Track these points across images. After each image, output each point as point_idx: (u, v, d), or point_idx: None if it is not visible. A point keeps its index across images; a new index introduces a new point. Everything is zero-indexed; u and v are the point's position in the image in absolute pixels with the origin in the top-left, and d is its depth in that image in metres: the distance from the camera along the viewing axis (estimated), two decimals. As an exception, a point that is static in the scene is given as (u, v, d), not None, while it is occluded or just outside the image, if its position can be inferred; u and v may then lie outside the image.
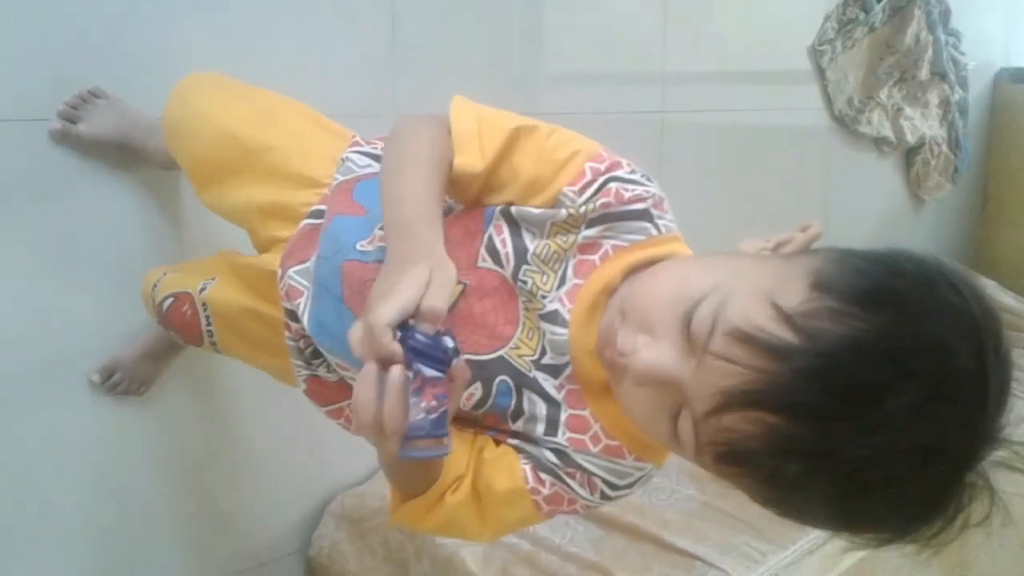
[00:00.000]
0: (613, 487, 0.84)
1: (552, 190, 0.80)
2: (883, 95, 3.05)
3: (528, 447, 0.85)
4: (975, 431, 0.63)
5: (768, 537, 1.61)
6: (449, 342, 0.70)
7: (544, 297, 0.80)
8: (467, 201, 0.86)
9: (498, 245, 0.82)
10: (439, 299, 0.69)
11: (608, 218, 0.79)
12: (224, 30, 1.49)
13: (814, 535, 1.64)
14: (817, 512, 0.67)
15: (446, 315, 0.70)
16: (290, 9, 1.61)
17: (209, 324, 1.13)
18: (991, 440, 0.64)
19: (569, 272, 0.80)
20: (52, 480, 1.45)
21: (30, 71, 1.32)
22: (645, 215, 0.80)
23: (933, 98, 3.26)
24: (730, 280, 0.68)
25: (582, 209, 0.79)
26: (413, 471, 0.85)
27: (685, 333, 0.68)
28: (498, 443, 0.88)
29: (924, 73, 3.15)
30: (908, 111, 3.15)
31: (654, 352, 0.69)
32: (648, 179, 0.82)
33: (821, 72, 2.82)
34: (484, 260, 0.82)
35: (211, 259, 1.20)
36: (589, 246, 0.80)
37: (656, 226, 0.80)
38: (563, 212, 0.80)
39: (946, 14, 3.20)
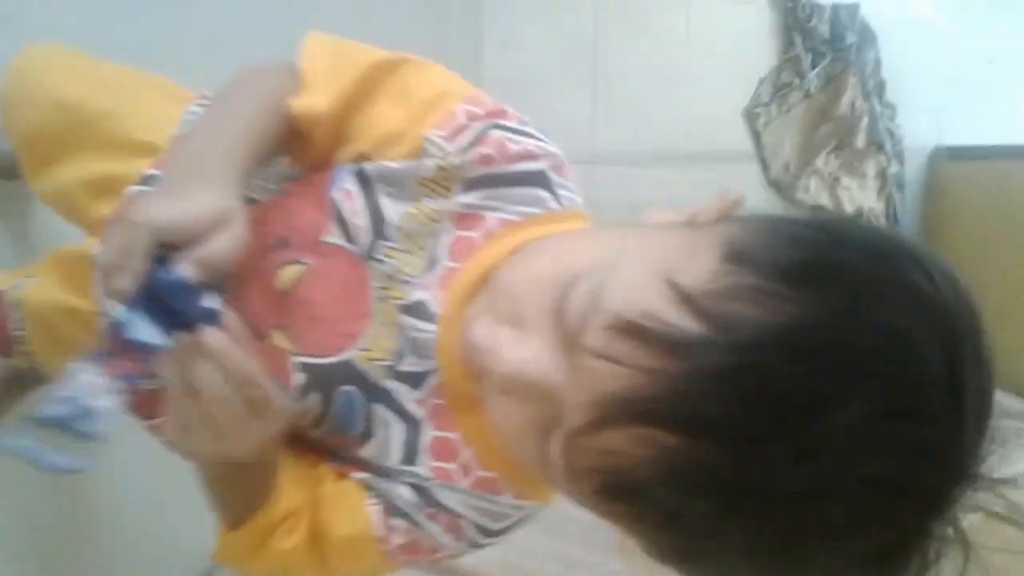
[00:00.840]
0: (485, 532, 0.67)
1: (413, 136, 0.63)
2: (820, 162, 3.00)
3: (379, 482, 0.67)
4: (945, 461, 0.46)
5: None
6: (208, 302, 0.53)
7: (407, 283, 0.63)
8: (310, 161, 0.69)
9: (347, 214, 0.64)
10: (224, 248, 0.54)
11: (492, 180, 0.63)
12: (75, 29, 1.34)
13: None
14: (733, 569, 0.49)
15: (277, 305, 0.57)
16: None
17: (19, 328, 0.94)
18: (966, 474, 0.47)
19: (441, 251, 0.63)
20: None
21: None
22: (540, 179, 0.63)
23: (870, 169, 3.22)
24: (615, 256, 0.51)
25: (455, 161, 0.62)
26: (224, 482, 0.67)
27: (558, 325, 0.51)
28: (342, 475, 0.69)
29: (861, 141, 3.11)
30: (846, 181, 3.10)
31: (519, 350, 0.53)
32: (544, 137, 0.65)
33: (757, 136, 2.76)
34: (330, 234, 0.65)
35: (36, 263, 1.01)
36: (468, 218, 0.63)
37: (555, 196, 0.64)
38: (430, 164, 0.63)
39: (881, 86, 3.19)
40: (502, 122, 0.64)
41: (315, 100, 0.66)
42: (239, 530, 0.70)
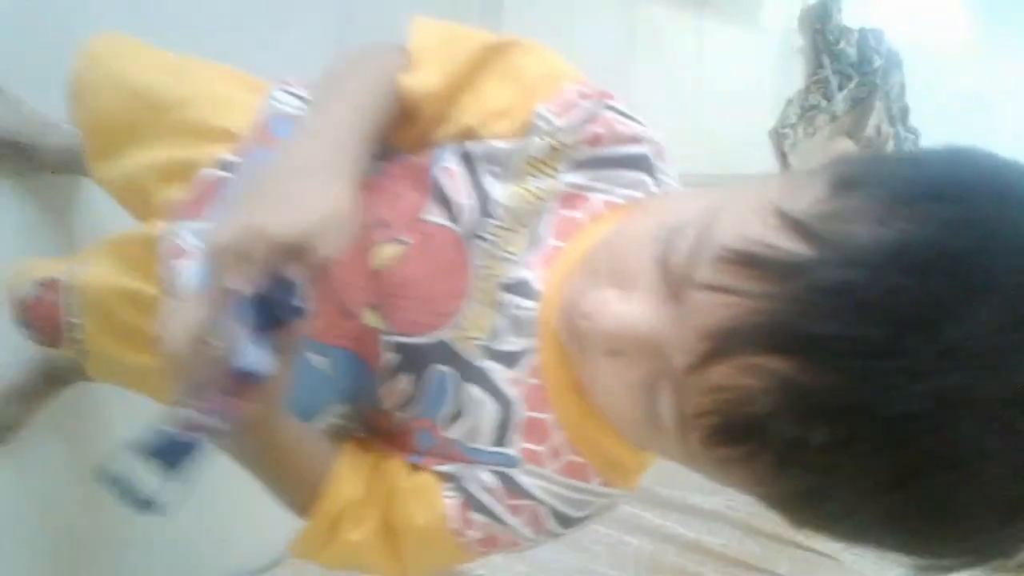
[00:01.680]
0: (564, 521, 0.65)
1: (523, 111, 0.63)
2: (845, 185, 3.01)
3: (460, 469, 0.65)
4: None
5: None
6: (298, 300, 0.54)
7: (509, 261, 0.62)
8: (409, 141, 0.68)
9: (450, 192, 0.64)
10: (335, 251, 0.56)
11: (599, 162, 0.62)
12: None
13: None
14: (863, 511, 0.45)
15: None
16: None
17: (74, 315, 0.92)
18: None
19: (544, 230, 0.63)
20: None
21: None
22: (643, 163, 0.63)
23: (894, 194, 3.24)
24: (720, 201, 0.50)
25: (566, 138, 0.62)
26: (283, 468, 0.67)
27: (664, 277, 0.50)
28: (415, 468, 0.68)
29: (886, 166, 3.13)
30: (870, 204, 3.12)
31: (624, 306, 0.51)
32: (647, 123, 0.65)
33: (783, 156, 2.76)
34: (431, 212, 0.64)
35: (88, 248, 1.00)
36: (573, 198, 0.63)
37: (657, 180, 0.63)
38: (537, 142, 0.62)
39: (904, 111, 3.21)
40: (612, 104, 0.64)
41: (427, 77, 0.66)
42: (306, 528, 0.68)
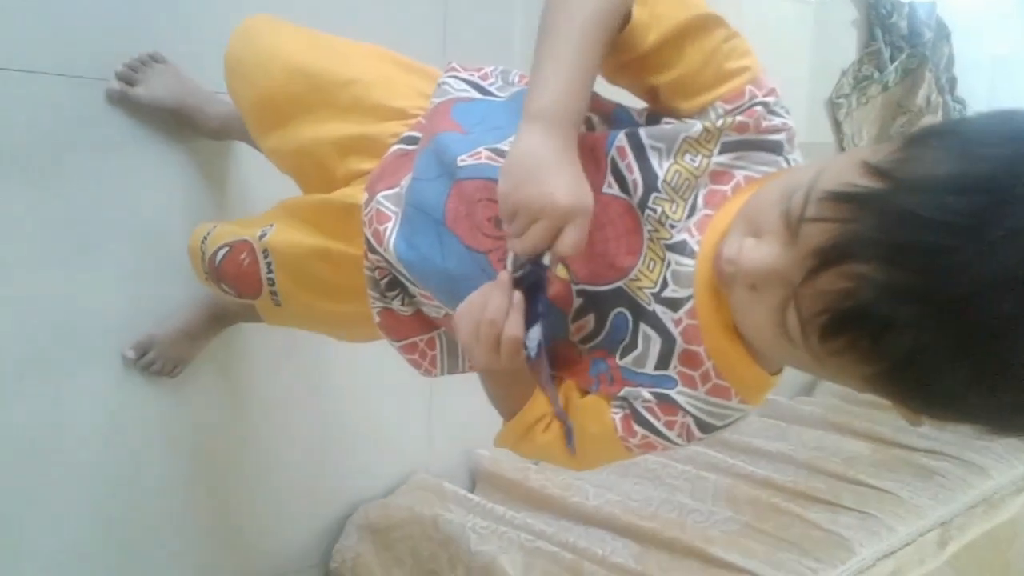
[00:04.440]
0: (707, 428, 0.81)
1: (706, 98, 0.77)
2: (895, 154, 3.09)
3: (627, 392, 0.81)
4: None
5: (815, 556, 1.55)
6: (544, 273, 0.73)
7: (673, 227, 0.77)
8: (614, 67, 0.81)
9: (624, 170, 0.78)
10: (577, 240, 0.71)
11: (743, 145, 0.76)
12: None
13: (861, 556, 1.58)
14: (945, 379, 0.57)
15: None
16: None
17: (270, 271, 1.07)
18: None
19: (699, 202, 0.77)
20: (62, 459, 1.36)
21: (92, 31, 1.31)
22: (778, 147, 0.77)
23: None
24: (825, 164, 0.66)
25: (719, 123, 0.76)
26: (508, 389, 0.85)
27: (786, 223, 0.64)
28: (584, 392, 0.85)
29: (935, 134, 3.20)
30: (917, 172, 3.19)
31: (758, 250, 0.66)
32: (788, 114, 0.79)
33: (837, 125, 2.86)
34: (610, 186, 0.79)
35: (264, 213, 1.14)
36: (721, 175, 0.77)
37: (787, 159, 0.77)
38: (698, 126, 0.76)
39: (952, 82, 3.29)
40: (767, 100, 0.77)
41: (647, 13, 0.77)
42: (508, 425, 0.87)
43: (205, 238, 1.16)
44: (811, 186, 0.63)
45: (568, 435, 0.85)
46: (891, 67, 2.97)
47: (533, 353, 0.74)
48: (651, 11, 0.77)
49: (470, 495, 1.75)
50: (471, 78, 0.97)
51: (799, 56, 2.75)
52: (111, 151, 1.34)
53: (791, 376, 0.80)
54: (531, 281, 0.74)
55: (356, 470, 1.76)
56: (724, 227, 0.74)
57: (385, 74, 1.03)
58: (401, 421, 1.82)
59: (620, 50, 0.79)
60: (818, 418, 2.30)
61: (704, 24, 0.77)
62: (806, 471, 1.93)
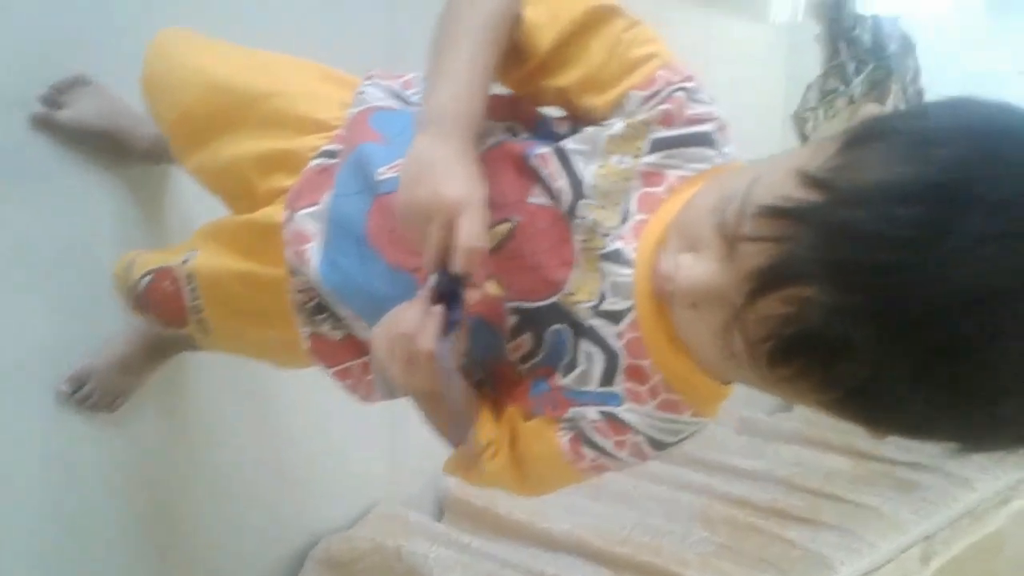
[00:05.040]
0: (659, 445, 0.76)
1: (618, 90, 0.73)
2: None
3: (572, 412, 0.76)
4: None
5: None
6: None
7: (606, 235, 0.72)
8: (518, 80, 0.78)
9: (547, 178, 0.74)
10: (471, 230, 0.66)
11: (672, 142, 0.72)
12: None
13: (842, 574, 1.52)
14: (908, 403, 0.53)
15: (490, 257, 0.68)
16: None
17: (195, 298, 1.01)
18: None
19: (633, 206, 0.72)
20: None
21: (13, 54, 1.25)
22: (708, 140, 0.73)
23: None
24: (758, 171, 0.60)
25: (642, 117, 0.72)
26: (445, 416, 0.79)
27: (722, 238, 0.60)
28: (528, 416, 0.80)
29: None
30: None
31: (695, 268, 0.62)
32: (713, 103, 0.74)
33: (805, 139, 2.85)
34: (536, 195, 0.74)
35: (189, 240, 1.07)
36: (653, 175, 0.73)
37: (720, 153, 0.73)
38: (620, 124, 0.72)
39: (919, 94, 3.28)
40: (687, 86, 0.73)
41: (541, 13, 0.74)
42: (455, 453, 0.82)
43: (130, 266, 1.11)
44: (745, 197, 0.58)
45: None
46: (857, 80, 2.97)
47: (445, 363, 0.69)
48: (546, 10, 0.74)
49: (437, 524, 1.70)
50: (391, 86, 0.92)
51: (768, 75, 2.75)
52: (37, 179, 1.28)
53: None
54: (449, 291, 0.69)
55: (316, 502, 1.69)
56: (660, 232, 0.70)
57: (308, 86, 0.98)
58: (363, 448, 1.75)
59: (522, 58, 0.76)
60: (797, 434, 2.24)
61: (602, 15, 0.74)
62: (784, 488, 1.88)
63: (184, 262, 1.01)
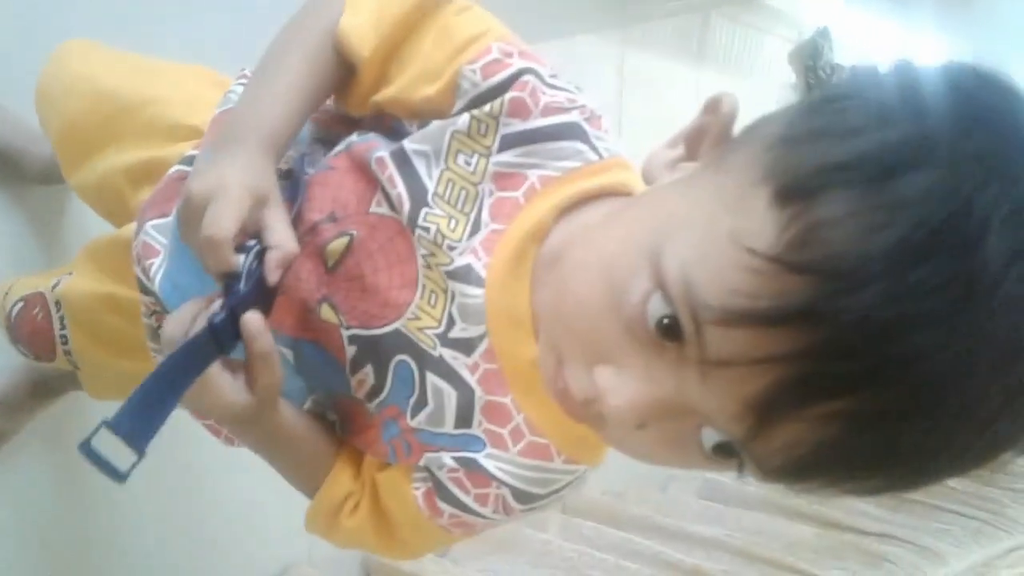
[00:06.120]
0: (528, 499, 0.64)
1: (450, 69, 0.62)
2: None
3: (427, 459, 0.65)
4: None
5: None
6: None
7: (452, 248, 0.61)
8: (360, 100, 0.69)
9: (386, 184, 0.63)
10: (212, 217, 0.59)
11: (528, 137, 0.61)
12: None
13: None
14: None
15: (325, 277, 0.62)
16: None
17: (63, 327, 0.91)
18: None
19: (485, 215, 0.61)
20: None
21: None
22: (575, 131, 0.61)
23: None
24: (663, 240, 0.47)
25: (488, 109, 0.61)
26: (274, 459, 0.71)
27: (645, 336, 0.47)
28: (383, 466, 0.69)
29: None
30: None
31: (629, 385, 0.48)
32: (574, 89, 0.63)
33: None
34: (379, 204, 0.64)
35: (72, 261, 0.99)
36: (508, 177, 0.61)
37: (593, 148, 0.61)
38: (465, 118, 0.61)
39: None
40: (536, 68, 0.62)
41: (361, 20, 0.66)
42: (311, 507, 0.71)
43: (7, 292, 1.01)
44: (674, 289, 0.45)
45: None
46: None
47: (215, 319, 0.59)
48: (367, 17, 0.67)
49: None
50: None
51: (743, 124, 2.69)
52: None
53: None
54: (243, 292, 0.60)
55: (223, 565, 1.55)
56: (518, 246, 0.60)
57: (193, 92, 0.89)
58: (276, 504, 1.61)
59: (360, 69, 0.67)
60: (762, 499, 2.12)
61: (428, 7, 0.65)
62: (741, 559, 1.77)
63: (55, 287, 0.92)
